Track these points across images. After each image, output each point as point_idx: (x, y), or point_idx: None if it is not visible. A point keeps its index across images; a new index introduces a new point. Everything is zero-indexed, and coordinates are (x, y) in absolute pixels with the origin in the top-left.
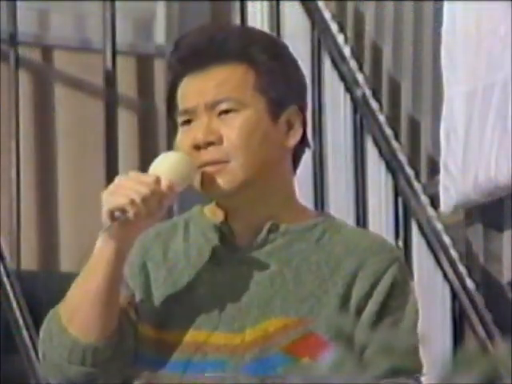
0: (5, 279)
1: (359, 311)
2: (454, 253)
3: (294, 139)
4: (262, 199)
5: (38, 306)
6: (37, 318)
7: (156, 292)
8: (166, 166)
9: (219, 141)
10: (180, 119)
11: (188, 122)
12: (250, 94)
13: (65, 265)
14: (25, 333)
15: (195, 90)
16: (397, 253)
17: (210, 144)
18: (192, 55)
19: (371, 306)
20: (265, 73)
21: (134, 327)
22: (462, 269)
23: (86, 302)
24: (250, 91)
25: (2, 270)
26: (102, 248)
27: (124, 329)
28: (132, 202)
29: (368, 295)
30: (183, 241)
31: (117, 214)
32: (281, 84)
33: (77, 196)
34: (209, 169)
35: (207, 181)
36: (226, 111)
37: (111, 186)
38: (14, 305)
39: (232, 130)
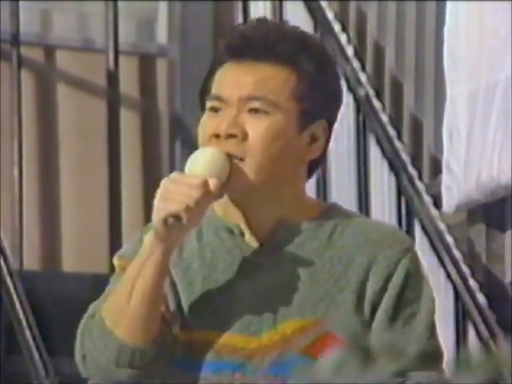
0: (7, 279)
1: (375, 307)
2: (456, 252)
3: (313, 154)
4: (272, 201)
5: (40, 305)
6: (39, 317)
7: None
8: (206, 164)
9: (242, 136)
10: (209, 103)
11: (216, 109)
12: (285, 99)
13: (67, 264)
14: (27, 333)
15: (234, 80)
16: (408, 243)
17: (231, 136)
18: (241, 44)
19: (387, 300)
20: (305, 81)
21: (169, 326)
22: (464, 269)
23: (132, 304)
24: (286, 96)
25: (5, 269)
26: (151, 253)
27: (164, 329)
28: (187, 208)
29: (382, 290)
30: (196, 240)
31: (170, 220)
32: (318, 96)
33: (79, 196)
34: None
35: None
36: (257, 110)
37: (161, 192)
38: (17, 304)
39: (257, 130)
